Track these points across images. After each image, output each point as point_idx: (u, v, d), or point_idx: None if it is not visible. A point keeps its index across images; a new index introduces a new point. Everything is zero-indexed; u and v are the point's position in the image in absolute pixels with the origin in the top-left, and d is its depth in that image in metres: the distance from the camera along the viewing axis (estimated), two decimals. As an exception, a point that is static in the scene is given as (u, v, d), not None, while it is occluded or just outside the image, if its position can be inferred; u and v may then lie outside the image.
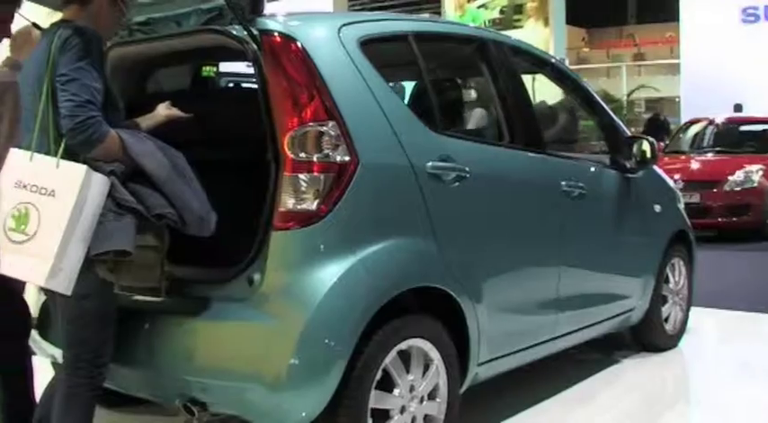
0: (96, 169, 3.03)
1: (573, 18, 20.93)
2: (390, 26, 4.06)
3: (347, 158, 3.30)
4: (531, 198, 4.42)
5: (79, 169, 3.00)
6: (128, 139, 3.13)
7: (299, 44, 3.36)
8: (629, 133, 5.70)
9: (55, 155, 3.05)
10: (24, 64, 3.37)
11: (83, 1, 3.26)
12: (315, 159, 3.25)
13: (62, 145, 3.04)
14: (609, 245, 5.17)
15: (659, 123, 19.17)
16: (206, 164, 3.36)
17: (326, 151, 3.27)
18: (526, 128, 4.54)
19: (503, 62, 4.53)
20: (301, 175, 3.24)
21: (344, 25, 3.64)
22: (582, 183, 4.75)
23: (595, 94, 5.65)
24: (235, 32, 3.46)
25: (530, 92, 4.98)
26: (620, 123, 5.64)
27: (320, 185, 3.24)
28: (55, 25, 3.22)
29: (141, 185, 3.11)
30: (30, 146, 3.14)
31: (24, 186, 3.08)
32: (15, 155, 3.20)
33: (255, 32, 3.35)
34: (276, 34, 3.37)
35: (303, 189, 3.23)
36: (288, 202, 3.23)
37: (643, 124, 20.04)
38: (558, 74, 5.51)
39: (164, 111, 3.68)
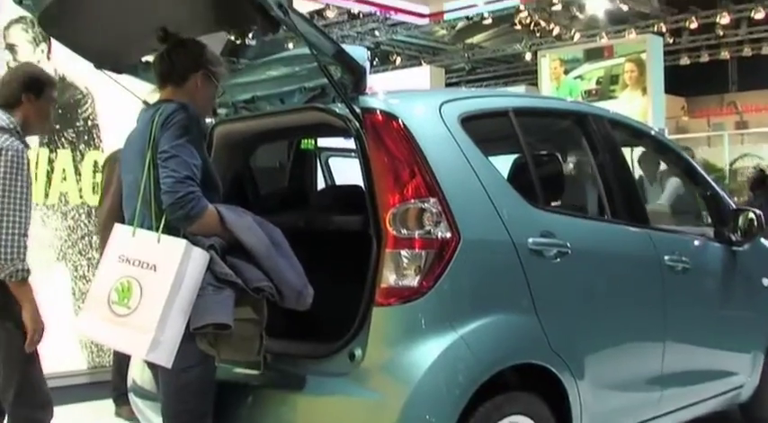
0: (196, 243, 3.10)
1: (671, 87, 20.69)
2: (490, 103, 4.09)
3: (448, 235, 3.31)
4: (633, 273, 4.35)
5: (179, 244, 3.07)
6: (226, 214, 3.20)
7: (400, 122, 3.40)
8: (734, 205, 5.59)
9: (156, 229, 3.13)
10: (127, 139, 3.48)
11: (177, 82, 3.39)
12: (416, 236, 3.27)
13: (163, 219, 3.12)
14: (715, 320, 5.02)
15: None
16: (306, 238, 3.40)
17: (428, 227, 3.28)
18: (627, 202, 4.50)
19: (602, 135, 4.51)
20: (403, 252, 3.25)
21: (445, 102, 3.67)
22: (686, 257, 4.65)
23: (697, 165, 5.57)
24: (338, 110, 3.53)
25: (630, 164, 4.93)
26: (725, 194, 5.53)
27: (422, 262, 3.25)
28: (158, 102, 3.34)
29: (240, 259, 3.17)
30: (132, 219, 3.23)
31: (127, 260, 3.16)
32: (119, 230, 3.29)
33: (358, 110, 3.40)
34: (378, 112, 3.41)
35: (405, 265, 3.25)
36: (389, 277, 3.25)
37: (747, 195, 19.42)
38: (658, 145, 5.45)
39: None
